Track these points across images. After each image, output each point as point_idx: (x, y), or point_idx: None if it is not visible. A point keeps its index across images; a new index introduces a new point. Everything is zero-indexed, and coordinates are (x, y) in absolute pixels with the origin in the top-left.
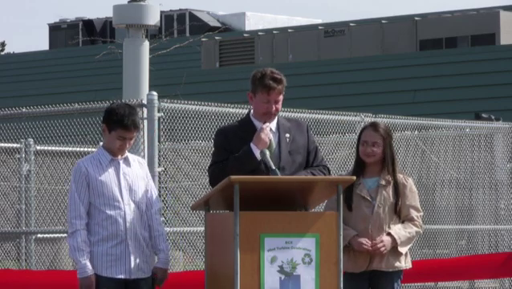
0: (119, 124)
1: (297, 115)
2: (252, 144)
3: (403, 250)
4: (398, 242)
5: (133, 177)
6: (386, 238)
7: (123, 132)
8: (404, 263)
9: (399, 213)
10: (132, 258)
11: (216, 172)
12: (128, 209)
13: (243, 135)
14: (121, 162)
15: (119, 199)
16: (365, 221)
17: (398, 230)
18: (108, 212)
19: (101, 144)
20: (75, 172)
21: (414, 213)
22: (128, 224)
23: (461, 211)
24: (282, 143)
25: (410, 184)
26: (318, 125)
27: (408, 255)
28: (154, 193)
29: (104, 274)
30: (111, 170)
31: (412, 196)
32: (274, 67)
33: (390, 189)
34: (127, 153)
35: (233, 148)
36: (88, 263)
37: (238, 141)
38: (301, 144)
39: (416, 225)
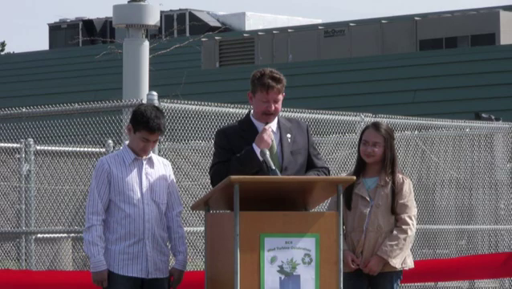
0: (144, 125)
1: (297, 115)
2: (254, 145)
3: (396, 261)
4: (387, 259)
5: (155, 178)
6: (373, 262)
7: (147, 134)
8: (402, 265)
9: (395, 213)
10: (149, 258)
11: (218, 173)
12: (148, 208)
13: (244, 134)
14: (144, 162)
15: (140, 198)
16: (362, 220)
17: (385, 249)
18: (127, 210)
19: (126, 142)
20: (97, 168)
21: (406, 214)
22: (146, 224)
23: (461, 211)
24: (283, 143)
25: (407, 183)
26: (318, 125)
27: (410, 256)
28: (176, 195)
29: (120, 272)
30: (133, 169)
31: (407, 195)
32: (274, 67)
33: (388, 190)
34: (151, 154)
35: (233, 147)
36: (102, 258)
37: (239, 141)
38: (302, 145)
39: (405, 231)
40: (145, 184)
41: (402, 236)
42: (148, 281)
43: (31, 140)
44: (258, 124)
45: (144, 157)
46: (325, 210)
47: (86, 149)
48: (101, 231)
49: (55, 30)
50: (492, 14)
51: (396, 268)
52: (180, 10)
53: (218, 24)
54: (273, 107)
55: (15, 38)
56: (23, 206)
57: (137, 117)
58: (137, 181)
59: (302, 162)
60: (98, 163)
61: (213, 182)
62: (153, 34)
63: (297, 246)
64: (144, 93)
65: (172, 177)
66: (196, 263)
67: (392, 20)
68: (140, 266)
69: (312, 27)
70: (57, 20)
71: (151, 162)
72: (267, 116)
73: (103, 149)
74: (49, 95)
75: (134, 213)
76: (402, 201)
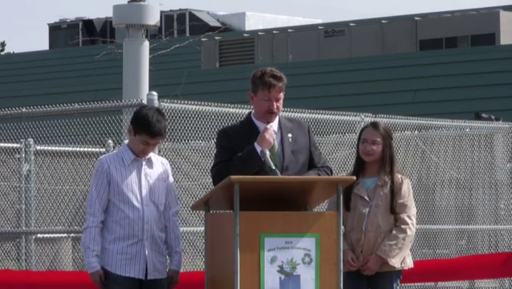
0: (145, 129)
1: (297, 115)
2: (256, 145)
3: (395, 261)
4: (386, 259)
5: (154, 178)
6: (371, 262)
7: (148, 138)
8: (401, 264)
9: (394, 212)
10: (148, 259)
11: (219, 173)
12: (147, 209)
13: (245, 134)
14: (144, 162)
15: (139, 199)
16: (361, 220)
17: (384, 248)
18: (127, 211)
19: (126, 142)
20: (96, 168)
21: (405, 214)
22: (145, 225)
23: (461, 211)
24: (284, 143)
25: (406, 183)
26: (318, 125)
27: (410, 256)
28: (174, 195)
29: (118, 272)
30: (133, 170)
31: (406, 194)
32: (274, 67)
33: (387, 190)
34: (150, 154)
35: (235, 147)
36: (93, 260)
37: (241, 141)
38: (303, 145)
39: (403, 231)
40: (144, 185)
41: (401, 235)
42: (147, 282)
43: (31, 140)
44: (259, 124)
45: (144, 158)
46: (325, 210)
47: (86, 149)
48: (96, 233)
49: (55, 30)
50: (492, 14)
51: (395, 268)
52: (180, 10)
53: (218, 24)
54: (275, 106)
55: (15, 38)
56: (23, 206)
57: (138, 120)
58: (136, 181)
59: (303, 161)
60: (97, 163)
61: (215, 182)
62: (153, 34)
63: (297, 246)
64: (144, 93)
65: (171, 176)
66: (196, 263)
67: (392, 20)
68: (138, 266)
69: (312, 27)
70: (57, 20)
71: (150, 162)
72: (269, 115)
73: (103, 149)
74: (49, 95)
75: (133, 214)
76: (401, 201)
